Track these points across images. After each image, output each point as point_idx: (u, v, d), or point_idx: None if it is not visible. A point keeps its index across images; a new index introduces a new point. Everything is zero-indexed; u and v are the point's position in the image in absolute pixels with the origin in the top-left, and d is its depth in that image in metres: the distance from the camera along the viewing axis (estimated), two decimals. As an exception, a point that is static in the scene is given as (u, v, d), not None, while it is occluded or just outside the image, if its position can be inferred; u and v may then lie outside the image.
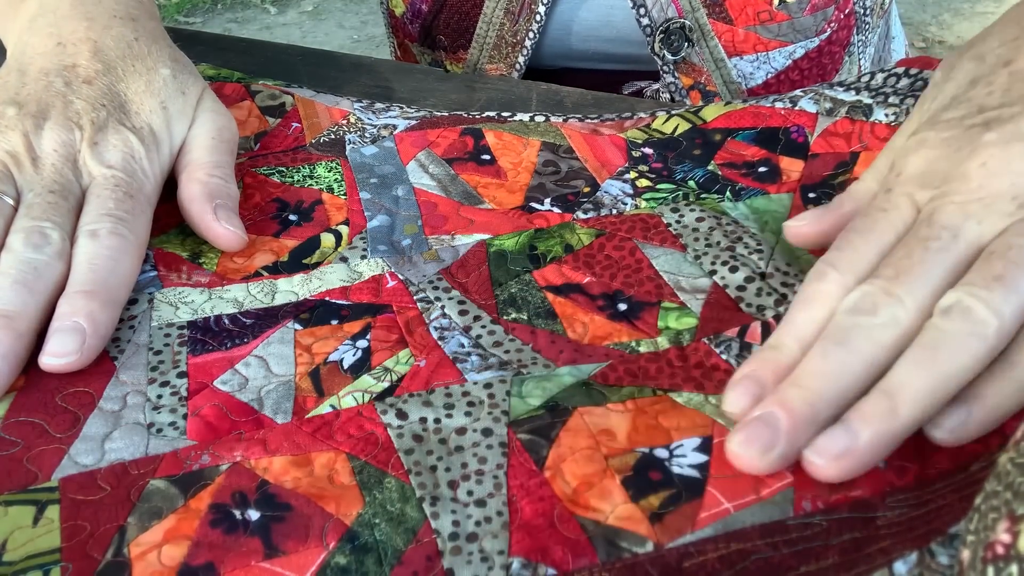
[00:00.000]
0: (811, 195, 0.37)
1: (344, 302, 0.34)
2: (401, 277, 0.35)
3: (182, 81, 0.40)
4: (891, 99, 0.38)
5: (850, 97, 0.39)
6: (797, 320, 0.28)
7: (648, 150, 0.41)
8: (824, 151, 0.38)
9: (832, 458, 0.25)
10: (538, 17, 0.58)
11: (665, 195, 0.38)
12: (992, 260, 0.26)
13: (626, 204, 0.38)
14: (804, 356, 0.27)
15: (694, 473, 0.26)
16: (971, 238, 0.27)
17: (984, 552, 0.21)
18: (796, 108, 0.40)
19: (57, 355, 0.30)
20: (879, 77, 0.39)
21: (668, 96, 0.60)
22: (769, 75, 0.58)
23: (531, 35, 0.59)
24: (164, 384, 0.30)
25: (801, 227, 0.33)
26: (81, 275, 0.32)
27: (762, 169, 0.39)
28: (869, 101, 0.38)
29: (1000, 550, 0.20)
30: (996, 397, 0.26)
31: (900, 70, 0.39)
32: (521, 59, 0.60)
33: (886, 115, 0.38)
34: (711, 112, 0.42)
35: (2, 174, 0.35)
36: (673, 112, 0.43)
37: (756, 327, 0.31)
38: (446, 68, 0.63)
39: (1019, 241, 0.26)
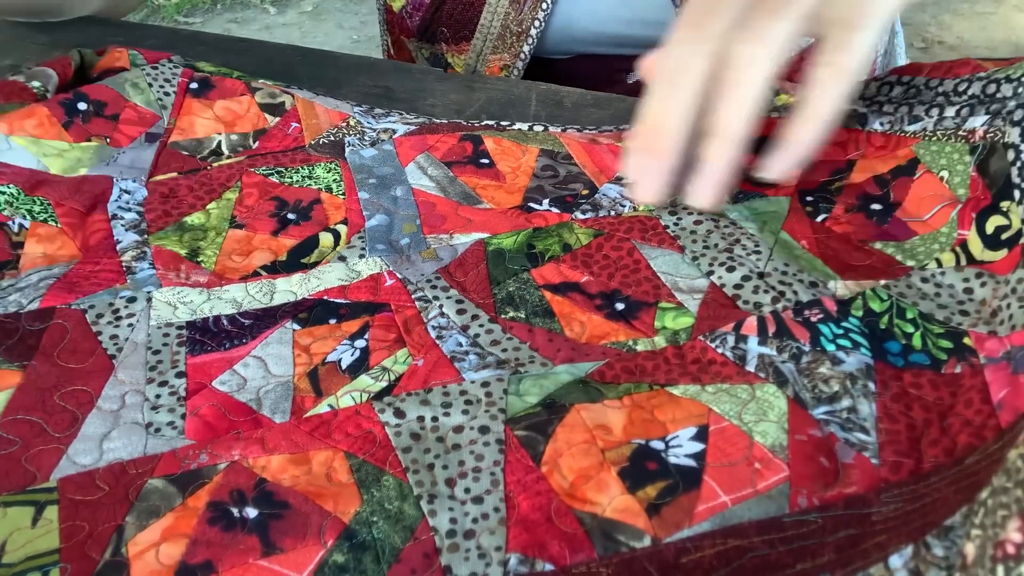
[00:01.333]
0: (808, 198, 0.37)
1: (342, 301, 0.34)
2: (399, 276, 0.35)
3: None
4: (886, 107, 0.38)
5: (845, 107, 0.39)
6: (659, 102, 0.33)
7: None
8: (820, 159, 0.39)
9: (706, 195, 0.32)
10: (544, 5, 0.57)
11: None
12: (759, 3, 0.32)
13: (624, 206, 0.38)
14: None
15: (691, 463, 0.27)
16: None
17: (994, 551, 0.21)
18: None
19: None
20: (872, 86, 0.39)
21: None
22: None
23: (537, 23, 0.58)
24: (163, 384, 0.30)
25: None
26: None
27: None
28: (863, 110, 0.39)
29: (1011, 549, 0.20)
30: (800, 136, 0.33)
31: (893, 78, 0.39)
32: (526, 48, 0.59)
33: (881, 124, 0.38)
34: None
35: None
36: None
37: (752, 321, 0.31)
38: (447, 61, 0.63)
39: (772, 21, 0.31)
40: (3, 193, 0.38)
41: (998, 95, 0.35)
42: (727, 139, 0.32)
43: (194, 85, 0.46)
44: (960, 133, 0.35)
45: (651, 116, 0.32)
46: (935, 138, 0.36)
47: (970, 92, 0.36)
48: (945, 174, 0.35)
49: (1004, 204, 0.32)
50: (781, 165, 0.33)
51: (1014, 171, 0.32)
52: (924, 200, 0.35)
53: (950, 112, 0.36)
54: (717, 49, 0.31)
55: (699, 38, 0.31)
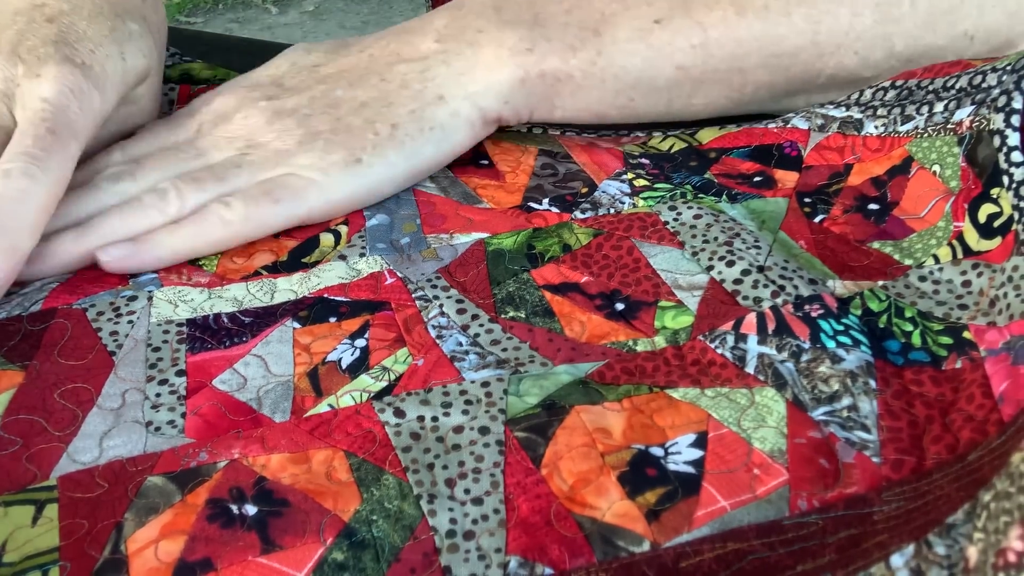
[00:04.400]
0: (807, 200, 0.37)
1: (343, 299, 0.34)
2: (400, 275, 0.35)
3: (146, 45, 0.40)
4: (879, 111, 0.38)
5: (840, 113, 0.40)
6: (81, 170, 0.38)
7: (645, 160, 0.41)
8: (817, 163, 0.39)
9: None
10: None
11: (663, 193, 0.38)
12: (197, 171, 0.37)
13: (624, 203, 0.38)
14: None
15: (690, 469, 0.27)
16: (207, 160, 0.38)
17: (996, 559, 0.21)
18: (788, 126, 0.41)
19: None
20: (867, 93, 0.40)
21: None
22: None
23: None
24: (163, 382, 0.30)
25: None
26: None
27: (757, 179, 0.39)
28: (859, 116, 0.39)
29: (1012, 558, 0.20)
30: (157, 239, 0.35)
31: (887, 84, 0.39)
32: None
33: (875, 127, 0.38)
34: (706, 135, 0.43)
35: None
36: (669, 133, 0.43)
37: (751, 318, 0.31)
38: None
39: (220, 168, 0.37)
40: None
41: (983, 85, 0.35)
42: (85, 243, 0.35)
43: None
44: (948, 126, 0.35)
45: (66, 200, 0.36)
46: (926, 134, 0.36)
47: (958, 86, 0.36)
48: (937, 168, 0.35)
49: (994, 191, 0.32)
50: (111, 258, 0.35)
51: (1001, 157, 0.32)
52: (920, 197, 0.35)
53: (939, 107, 0.36)
54: (153, 185, 0.37)
55: (146, 173, 0.37)
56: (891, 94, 0.39)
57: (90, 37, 0.38)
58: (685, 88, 0.40)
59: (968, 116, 0.35)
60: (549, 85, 0.40)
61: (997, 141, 0.33)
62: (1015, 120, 0.33)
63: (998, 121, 0.33)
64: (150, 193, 0.36)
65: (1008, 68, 0.34)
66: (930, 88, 0.37)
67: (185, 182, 0.36)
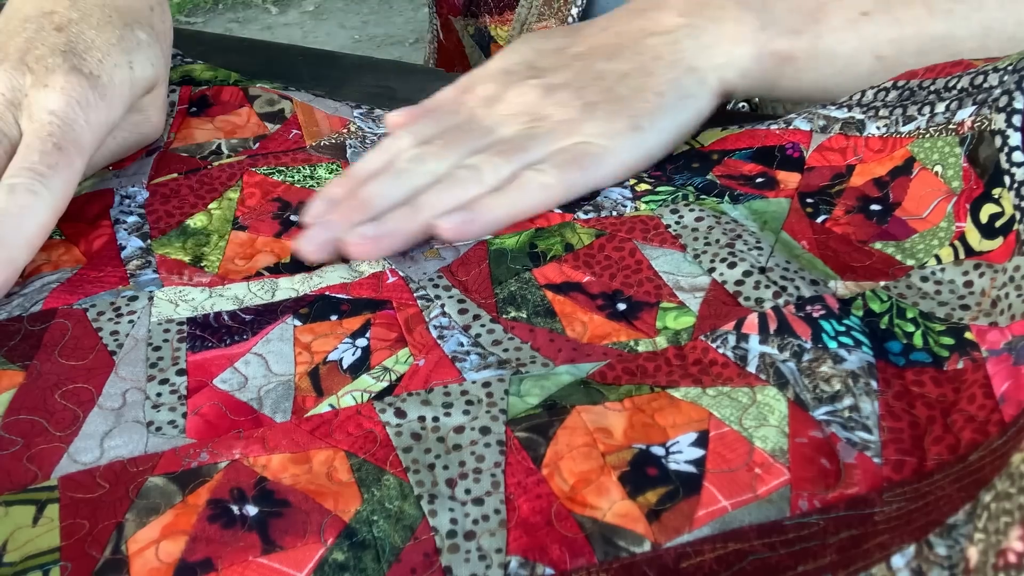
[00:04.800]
0: (809, 200, 0.37)
1: (344, 296, 0.34)
2: (401, 274, 0.35)
3: (154, 54, 0.40)
4: (881, 112, 0.38)
5: (843, 114, 0.40)
6: (369, 160, 0.39)
7: None
8: (820, 164, 0.39)
9: (363, 239, 0.35)
10: None
11: (665, 197, 0.38)
12: (496, 145, 0.38)
13: (626, 207, 0.38)
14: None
15: (691, 469, 0.27)
16: (497, 135, 0.39)
17: (996, 559, 0.20)
18: (790, 127, 0.41)
19: None
20: (869, 93, 0.40)
21: None
22: None
23: None
24: (163, 382, 0.30)
25: (394, 116, 0.42)
26: None
27: (759, 180, 0.39)
28: (861, 117, 0.39)
29: (1012, 558, 0.20)
30: (488, 205, 0.37)
31: (888, 84, 0.39)
32: (574, 10, 0.59)
33: (878, 128, 0.38)
34: (708, 137, 0.43)
35: None
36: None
37: (753, 318, 0.31)
38: (490, 35, 0.63)
39: (519, 141, 0.39)
40: None
41: (984, 85, 0.35)
42: (415, 214, 0.36)
43: (193, 109, 0.46)
44: (950, 127, 0.35)
45: (369, 190, 0.37)
46: (928, 135, 0.36)
47: (959, 87, 0.36)
48: (939, 168, 0.35)
49: (996, 191, 0.32)
50: (454, 219, 0.36)
51: (1002, 157, 0.32)
52: (922, 197, 0.35)
53: (940, 108, 0.36)
54: (457, 162, 0.38)
55: (434, 156, 0.38)
56: (893, 95, 0.39)
57: (98, 46, 0.38)
58: (878, 78, 0.41)
59: (970, 116, 0.35)
60: (776, 64, 0.42)
61: (999, 141, 0.33)
62: (1016, 120, 0.33)
63: (999, 121, 0.33)
64: (462, 169, 0.37)
65: (1009, 68, 0.34)
66: (932, 88, 0.37)
67: (493, 156, 0.38)
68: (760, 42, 0.41)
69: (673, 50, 0.41)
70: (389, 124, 0.42)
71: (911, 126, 0.37)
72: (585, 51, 0.42)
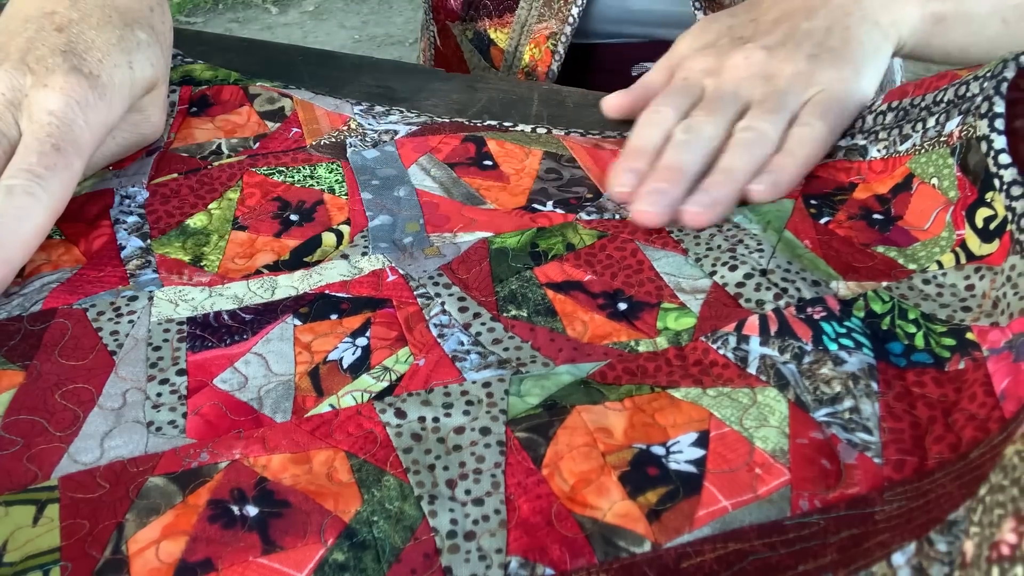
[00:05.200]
0: (813, 202, 0.38)
1: (344, 295, 0.34)
2: (401, 272, 0.35)
3: (154, 54, 0.40)
4: (880, 135, 0.39)
5: (845, 142, 0.40)
6: (646, 134, 0.41)
7: None
8: (824, 176, 0.39)
9: (702, 207, 0.37)
10: None
11: None
12: (757, 105, 0.41)
13: (628, 210, 0.38)
14: (659, 156, 0.40)
15: (691, 469, 0.27)
16: (746, 97, 0.42)
17: (989, 552, 0.20)
18: None
19: None
20: (868, 119, 0.40)
21: None
22: None
23: None
24: (163, 382, 0.30)
25: (613, 99, 0.46)
26: None
27: None
28: (863, 143, 0.40)
29: (1006, 550, 0.20)
30: (786, 166, 0.39)
31: (884, 107, 0.40)
32: (575, 10, 0.59)
33: (878, 151, 0.39)
34: None
35: None
36: None
37: (754, 320, 0.31)
38: (489, 39, 0.63)
39: (774, 98, 0.41)
40: None
41: (967, 94, 0.35)
42: (733, 178, 0.38)
43: (193, 109, 0.46)
44: (941, 139, 0.36)
45: (667, 160, 0.39)
46: (923, 149, 0.36)
47: (946, 99, 0.37)
48: (935, 180, 0.36)
49: (988, 195, 0.33)
50: (766, 181, 0.38)
51: (990, 161, 0.33)
52: (923, 211, 0.36)
53: (931, 122, 0.37)
54: (722, 135, 0.40)
55: (708, 122, 0.40)
56: (889, 117, 0.39)
57: (98, 46, 0.38)
58: (1001, 42, 0.46)
59: (957, 126, 0.35)
60: (931, 24, 0.45)
61: (984, 146, 0.33)
62: (999, 124, 0.33)
63: (983, 127, 0.33)
64: (746, 131, 0.40)
65: (988, 75, 0.35)
66: (922, 105, 0.38)
67: (763, 114, 0.40)
68: (922, 3, 0.45)
69: (859, 7, 0.44)
70: (607, 107, 0.46)
71: (907, 144, 0.37)
72: (780, 15, 0.45)
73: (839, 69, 0.42)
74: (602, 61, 0.65)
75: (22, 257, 0.34)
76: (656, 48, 0.63)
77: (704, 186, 0.38)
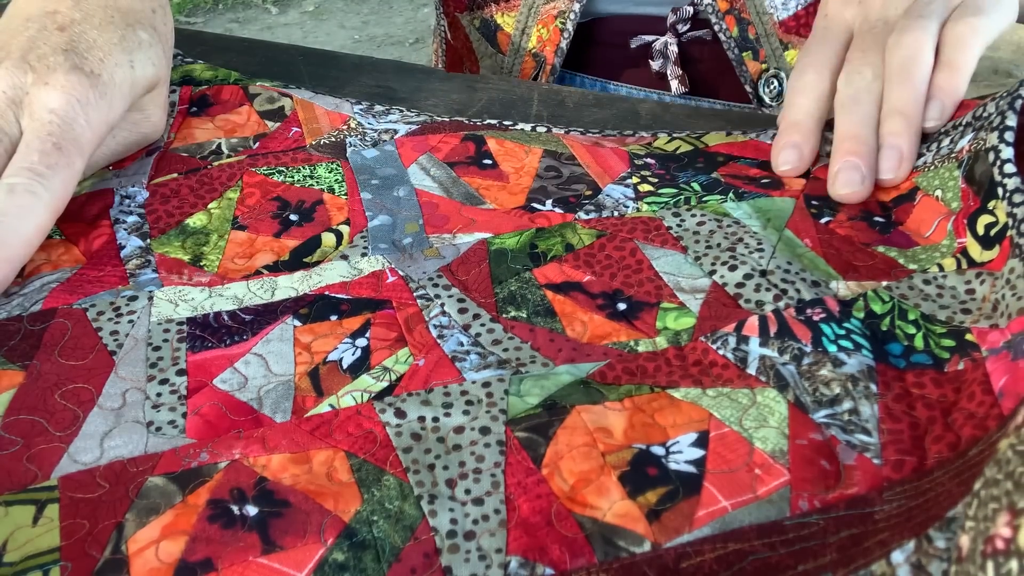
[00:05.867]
0: (814, 202, 0.38)
1: (344, 296, 0.34)
2: (401, 273, 0.35)
3: (155, 54, 0.40)
4: None
5: None
6: (799, 103, 0.41)
7: (651, 160, 0.41)
8: (825, 177, 0.39)
9: (895, 167, 0.37)
10: None
11: (667, 199, 0.38)
12: (905, 14, 0.40)
13: (627, 207, 0.38)
14: (821, 124, 0.40)
15: (691, 469, 0.27)
16: (892, 20, 0.41)
17: (984, 546, 0.21)
18: None
19: None
20: None
21: (676, 50, 0.61)
22: (799, 7, 0.60)
23: None
24: (163, 382, 0.30)
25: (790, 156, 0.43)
26: None
27: (764, 181, 0.39)
28: None
29: (1000, 544, 0.20)
30: (948, 84, 0.38)
31: None
32: None
33: None
34: (713, 139, 0.43)
35: None
36: (675, 135, 0.43)
37: (753, 320, 0.31)
38: (496, 24, 0.64)
39: (917, 9, 0.40)
40: None
41: (983, 115, 0.36)
42: (908, 117, 0.38)
43: (194, 109, 0.46)
44: (951, 155, 0.36)
45: (843, 129, 0.39)
46: (932, 167, 0.37)
47: (964, 123, 0.37)
48: (939, 192, 0.36)
49: (991, 203, 0.33)
50: (935, 112, 0.38)
51: (995, 171, 0.33)
52: (924, 220, 0.36)
53: (946, 142, 0.37)
54: (883, 68, 0.39)
55: (865, 64, 0.40)
56: None
57: (100, 46, 0.38)
58: None
59: (968, 142, 0.35)
60: None
61: (992, 156, 0.33)
62: (1008, 136, 0.33)
63: (992, 139, 0.34)
64: (900, 47, 0.39)
65: (1004, 95, 0.35)
66: (941, 130, 0.38)
67: (910, 22, 0.39)
68: None
69: None
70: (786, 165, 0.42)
71: (919, 161, 0.38)
72: None
73: None
74: (602, 35, 0.66)
75: (24, 256, 0.34)
76: (654, 21, 0.64)
77: (885, 143, 0.38)
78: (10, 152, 0.35)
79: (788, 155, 0.39)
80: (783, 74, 0.62)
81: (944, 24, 0.39)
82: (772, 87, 0.62)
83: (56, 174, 0.35)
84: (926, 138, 0.39)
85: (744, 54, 0.61)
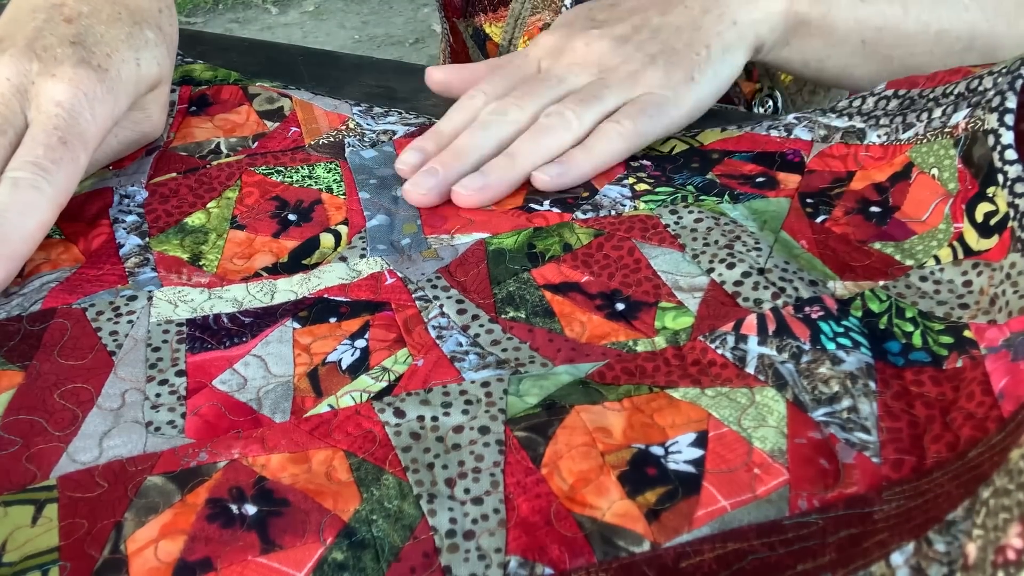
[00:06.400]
0: (809, 200, 0.37)
1: (343, 299, 0.34)
2: (400, 275, 0.35)
3: (160, 53, 0.41)
4: (882, 120, 0.39)
5: (843, 123, 0.40)
6: (453, 118, 0.42)
7: (647, 162, 0.41)
8: (820, 169, 0.39)
9: (471, 190, 0.38)
10: None
11: (664, 198, 0.38)
12: (574, 94, 0.41)
13: (625, 206, 0.38)
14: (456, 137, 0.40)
15: (690, 468, 0.27)
16: (569, 85, 0.42)
17: (994, 556, 0.20)
18: (791, 136, 0.41)
19: None
20: (870, 101, 0.40)
21: None
22: None
23: None
24: (163, 383, 0.30)
25: (436, 73, 0.46)
26: None
27: (760, 179, 0.39)
28: (862, 125, 0.39)
29: (1011, 555, 0.20)
30: (578, 159, 0.39)
31: (889, 92, 0.40)
32: (568, 1, 0.60)
33: (878, 136, 0.38)
34: (708, 137, 0.43)
35: None
36: (670, 135, 0.43)
37: (752, 319, 0.31)
38: (485, 33, 0.63)
39: (593, 90, 0.41)
40: None
41: (979, 88, 0.35)
42: (511, 161, 0.39)
43: (193, 108, 0.46)
44: (945, 130, 0.35)
45: (457, 142, 0.40)
46: (925, 140, 0.36)
47: (956, 92, 0.36)
48: (935, 171, 0.35)
49: (990, 190, 0.32)
50: (554, 170, 0.39)
51: (995, 156, 0.33)
52: (921, 201, 0.35)
53: (937, 113, 0.36)
54: (526, 121, 0.40)
55: (514, 106, 0.41)
56: (894, 103, 0.39)
57: (107, 41, 0.38)
58: (854, 60, 0.46)
59: (964, 118, 0.35)
60: (794, 25, 0.45)
61: (991, 140, 0.33)
62: (1008, 119, 0.33)
63: (992, 121, 0.33)
64: (547, 117, 0.40)
65: (1003, 71, 0.35)
66: (931, 96, 0.37)
67: (574, 104, 0.40)
68: (788, 1, 0.45)
69: (717, 4, 0.44)
70: (430, 80, 0.46)
71: (910, 133, 0.37)
72: (638, 5, 0.45)
73: (669, 74, 0.42)
74: None
75: (26, 252, 0.34)
76: None
77: (482, 168, 0.38)
78: (14, 143, 0.35)
79: (409, 156, 0.40)
80: (778, 93, 0.61)
81: (607, 116, 0.41)
82: (767, 107, 0.61)
83: (60, 169, 0.35)
84: (913, 103, 0.38)
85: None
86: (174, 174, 0.41)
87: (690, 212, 0.37)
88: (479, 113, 0.41)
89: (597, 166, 0.40)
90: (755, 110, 0.62)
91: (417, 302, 0.33)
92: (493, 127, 0.40)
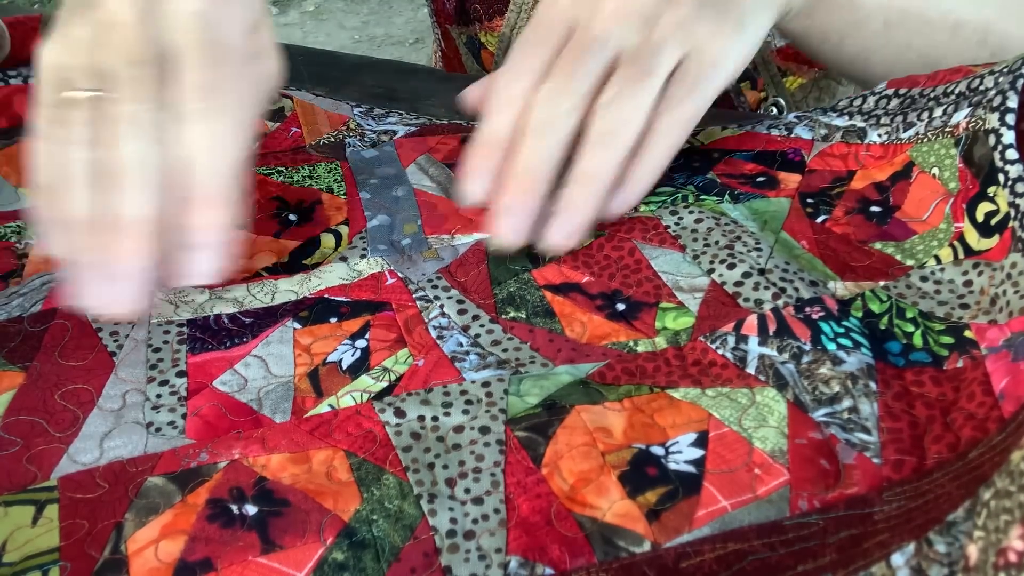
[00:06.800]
0: (809, 200, 0.37)
1: (343, 299, 0.34)
2: (400, 275, 0.35)
3: None
4: (883, 119, 0.39)
5: (843, 122, 0.40)
6: (498, 120, 0.36)
7: None
8: (821, 168, 0.39)
9: (563, 237, 0.35)
10: None
11: (664, 198, 0.38)
12: (625, 65, 0.36)
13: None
14: (513, 146, 0.35)
15: (690, 469, 0.27)
16: (614, 46, 0.36)
17: (996, 558, 0.20)
18: (792, 135, 0.41)
19: (196, 275, 0.31)
20: (871, 100, 0.40)
21: None
22: None
23: None
24: (163, 383, 0.30)
25: (474, 91, 0.40)
26: (196, 176, 0.30)
27: (760, 179, 0.39)
28: (863, 125, 0.39)
29: (1013, 557, 0.20)
30: (639, 178, 0.36)
31: (890, 91, 0.39)
32: None
33: (879, 135, 0.38)
34: (709, 136, 0.43)
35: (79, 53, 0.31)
36: None
37: (752, 319, 0.31)
38: (480, 42, 0.63)
39: (644, 60, 0.36)
40: (10, 227, 0.38)
41: (981, 88, 0.35)
42: (590, 187, 0.35)
43: None
44: (946, 129, 0.35)
45: (523, 161, 0.35)
46: (926, 139, 0.36)
47: (957, 91, 0.36)
48: (936, 171, 0.35)
49: (991, 190, 0.32)
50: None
51: (996, 155, 0.33)
52: (922, 200, 0.35)
53: (938, 112, 0.36)
54: (584, 105, 0.35)
55: (567, 92, 0.35)
56: (894, 102, 0.39)
57: None
58: (875, 43, 0.45)
59: (965, 118, 0.35)
60: None
61: (992, 140, 0.33)
62: (1010, 118, 0.33)
63: (993, 120, 0.33)
64: (606, 117, 0.35)
65: (1005, 70, 0.35)
66: (931, 96, 0.37)
67: (629, 86, 0.35)
68: None
69: None
70: (467, 102, 0.40)
71: (911, 132, 0.37)
72: None
73: (720, 22, 0.37)
74: None
75: (235, 190, 0.31)
76: None
77: (563, 204, 0.35)
78: (161, 74, 0.31)
79: (479, 184, 0.36)
80: (782, 102, 0.61)
81: (669, 79, 0.36)
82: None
83: (229, 85, 0.32)
84: (913, 103, 0.38)
85: (742, 84, 0.61)
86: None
87: (690, 213, 0.37)
88: (525, 102, 0.36)
89: (660, 168, 0.37)
90: None
91: (418, 302, 0.33)
92: (550, 131, 0.35)
